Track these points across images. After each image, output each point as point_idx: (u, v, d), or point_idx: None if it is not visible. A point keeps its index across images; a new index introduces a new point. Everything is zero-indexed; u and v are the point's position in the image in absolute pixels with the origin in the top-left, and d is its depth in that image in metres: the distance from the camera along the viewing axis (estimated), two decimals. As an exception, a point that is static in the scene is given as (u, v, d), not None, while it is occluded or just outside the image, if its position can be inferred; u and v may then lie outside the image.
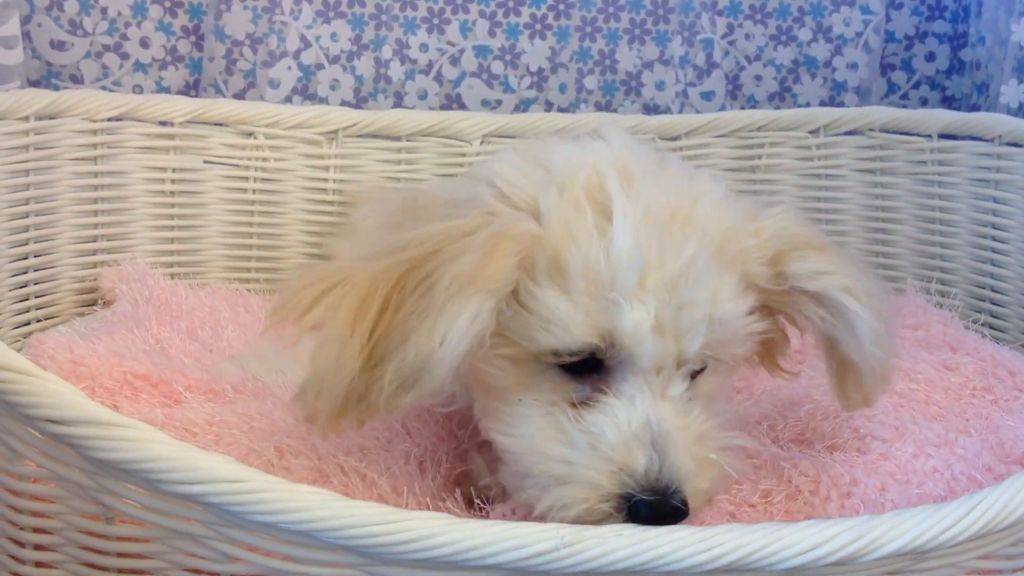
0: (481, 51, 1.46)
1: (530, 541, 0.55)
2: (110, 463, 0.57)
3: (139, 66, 1.41)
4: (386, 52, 1.44)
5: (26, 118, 1.10)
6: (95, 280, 1.16)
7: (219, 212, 1.25)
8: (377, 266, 0.64)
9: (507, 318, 0.63)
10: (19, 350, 0.90)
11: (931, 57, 1.55)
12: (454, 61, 1.46)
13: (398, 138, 1.28)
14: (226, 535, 0.59)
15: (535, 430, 0.64)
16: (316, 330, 0.63)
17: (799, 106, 1.50)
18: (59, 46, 1.37)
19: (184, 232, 1.23)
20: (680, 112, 1.47)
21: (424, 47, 1.45)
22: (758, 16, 1.50)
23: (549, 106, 1.48)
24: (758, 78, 1.52)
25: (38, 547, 0.65)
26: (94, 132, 1.16)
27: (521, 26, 1.46)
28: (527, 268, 0.63)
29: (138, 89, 1.41)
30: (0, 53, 1.22)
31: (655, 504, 0.60)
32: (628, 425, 0.62)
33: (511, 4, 1.45)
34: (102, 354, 0.81)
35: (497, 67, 1.46)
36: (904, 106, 1.54)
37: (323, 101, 1.41)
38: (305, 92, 1.41)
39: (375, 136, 1.28)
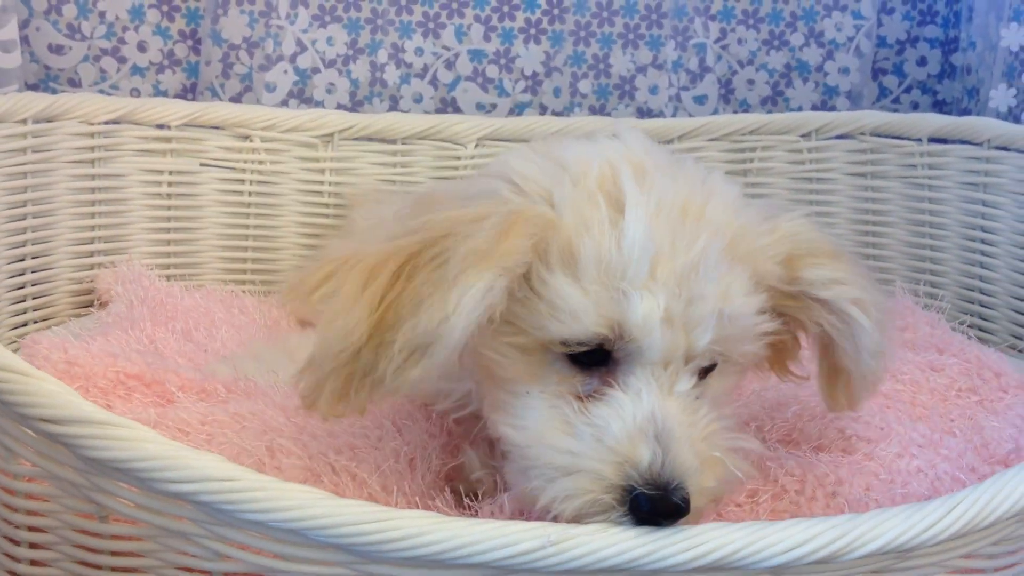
0: (476, 55, 1.47)
1: (517, 540, 0.56)
2: (103, 462, 0.58)
3: (136, 70, 1.42)
4: (382, 56, 1.45)
5: (24, 121, 1.11)
6: (92, 281, 1.17)
7: (215, 214, 1.25)
8: (390, 245, 0.64)
9: (518, 305, 0.64)
10: (15, 351, 0.91)
11: (922, 62, 1.57)
12: (449, 65, 1.47)
13: (393, 141, 1.29)
14: (217, 533, 0.60)
15: (541, 421, 0.64)
16: (326, 302, 0.63)
17: (791, 110, 1.51)
18: (57, 50, 1.38)
19: (180, 234, 1.24)
20: (673, 116, 1.49)
21: (419, 51, 1.46)
22: (751, 21, 1.52)
23: (543, 110, 1.49)
24: (750, 82, 1.53)
25: (33, 545, 0.66)
26: (91, 135, 1.17)
27: (516, 30, 1.47)
28: (540, 253, 0.64)
29: (135, 92, 1.42)
30: (-2, 57, 1.23)
31: (656, 499, 0.59)
32: (633, 418, 0.62)
33: (506, 9, 1.46)
34: (96, 354, 0.82)
35: (492, 71, 1.47)
36: (896, 110, 1.55)
37: (319, 105, 1.42)
38: (301, 96, 1.42)
39: (370, 139, 1.29)
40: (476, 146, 1.30)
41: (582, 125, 1.28)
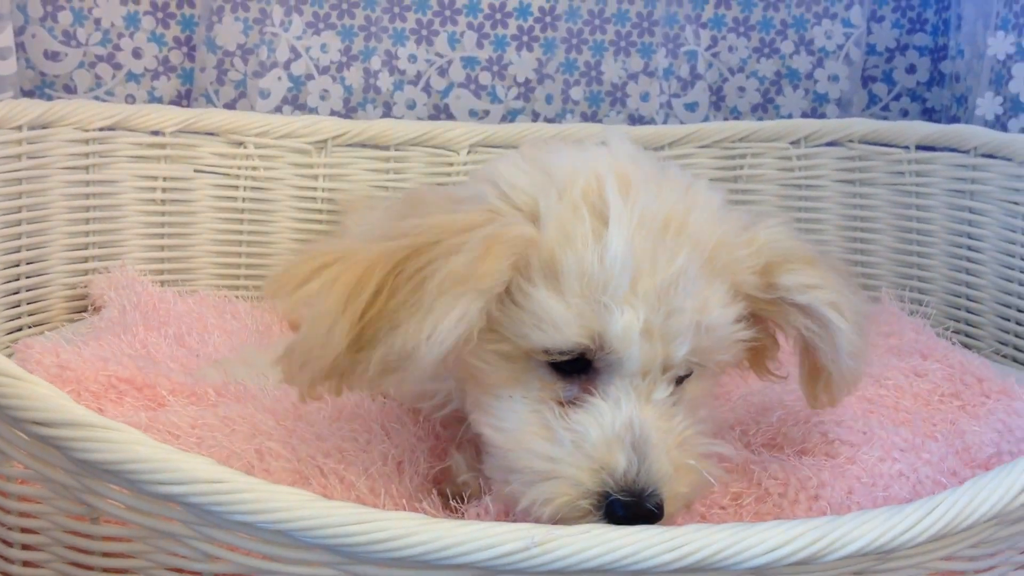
0: (469, 62, 1.48)
1: (502, 540, 0.57)
2: (94, 464, 0.59)
3: (132, 76, 1.43)
4: (375, 63, 1.46)
5: (19, 127, 1.12)
6: (86, 287, 1.17)
7: (209, 220, 1.26)
8: (376, 248, 0.65)
9: (501, 315, 0.65)
10: (9, 355, 0.92)
11: (912, 69, 1.58)
12: (442, 72, 1.48)
13: (386, 147, 1.30)
14: (206, 535, 0.60)
15: (522, 426, 0.65)
16: (309, 302, 0.65)
17: (782, 117, 1.52)
18: (53, 56, 1.39)
19: (174, 240, 1.25)
20: (664, 123, 1.50)
21: (413, 58, 1.47)
22: (741, 29, 1.53)
23: (536, 116, 1.50)
24: (741, 90, 1.54)
25: (26, 547, 0.67)
26: (86, 141, 1.18)
27: (508, 38, 1.48)
28: (521, 268, 0.65)
29: (131, 99, 1.43)
30: (-6, 64, 1.24)
31: (630, 505, 0.62)
32: (611, 426, 0.64)
33: (499, 16, 1.48)
34: (88, 358, 0.83)
35: (485, 78, 1.49)
36: (885, 117, 1.56)
37: (313, 111, 1.43)
38: (295, 102, 1.43)
39: (364, 145, 1.30)
40: (469, 152, 1.31)
41: (574, 132, 1.29)
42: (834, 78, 1.53)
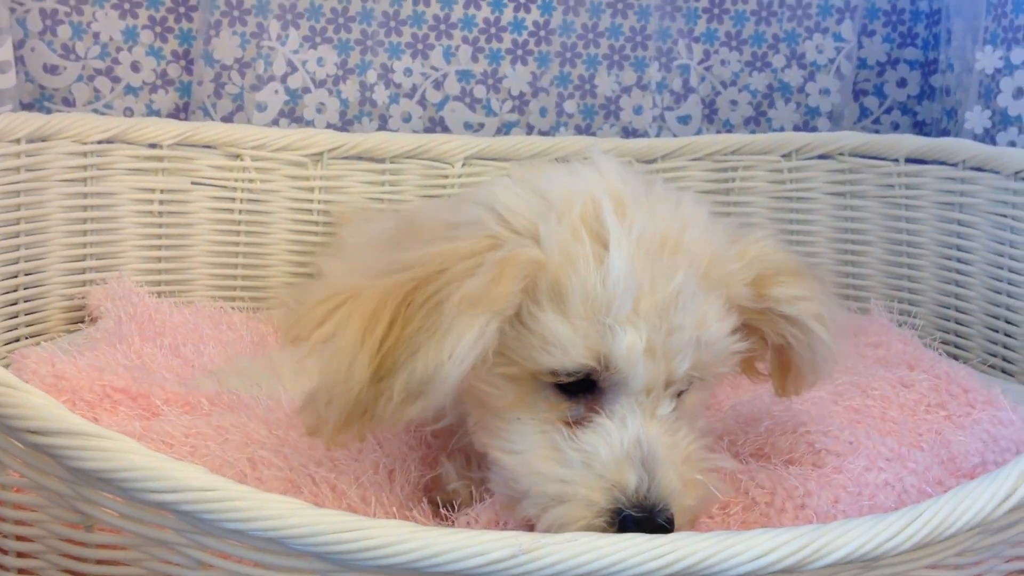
0: (464, 76, 1.50)
1: (489, 548, 0.58)
2: (88, 472, 0.60)
3: (130, 89, 1.44)
4: (371, 76, 1.47)
5: (17, 140, 1.13)
6: (83, 298, 1.18)
7: (206, 232, 1.27)
8: (386, 282, 0.67)
9: (509, 338, 0.67)
10: (5, 365, 0.93)
11: (902, 83, 1.59)
12: (437, 85, 1.49)
13: (382, 160, 1.31)
14: (199, 542, 0.61)
15: (531, 448, 0.67)
16: (327, 343, 0.66)
17: (774, 130, 1.53)
18: (52, 70, 1.41)
19: (171, 251, 1.26)
20: (657, 135, 1.51)
21: (408, 71, 1.48)
22: (733, 43, 1.54)
23: (530, 129, 1.51)
24: (733, 103, 1.55)
25: (21, 554, 0.68)
26: (84, 154, 1.19)
27: (503, 51, 1.50)
28: (529, 292, 0.67)
29: (129, 112, 1.44)
30: (-7, 77, 1.26)
31: (642, 521, 0.63)
32: (620, 444, 0.65)
33: (493, 30, 1.49)
34: (83, 368, 0.84)
35: (479, 91, 1.50)
36: (876, 130, 1.58)
37: (309, 124, 1.45)
38: (292, 115, 1.45)
39: (359, 158, 1.31)
40: (464, 165, 1.32)
41: (568, 145, 1.31)
42: (825, 91, 1.54)
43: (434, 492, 0.75)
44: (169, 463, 0.59)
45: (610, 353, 0.65)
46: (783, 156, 1.33)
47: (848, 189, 1.32)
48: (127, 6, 1.42)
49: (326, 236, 1.30)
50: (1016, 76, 1.30)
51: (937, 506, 0.62)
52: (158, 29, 1.44)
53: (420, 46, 1.48)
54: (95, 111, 1.42)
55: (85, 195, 1.20)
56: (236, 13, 1.41)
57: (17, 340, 1.14)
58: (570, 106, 1.52)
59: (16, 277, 1.14)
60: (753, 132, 1.52)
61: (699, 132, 1.53)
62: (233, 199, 1.28)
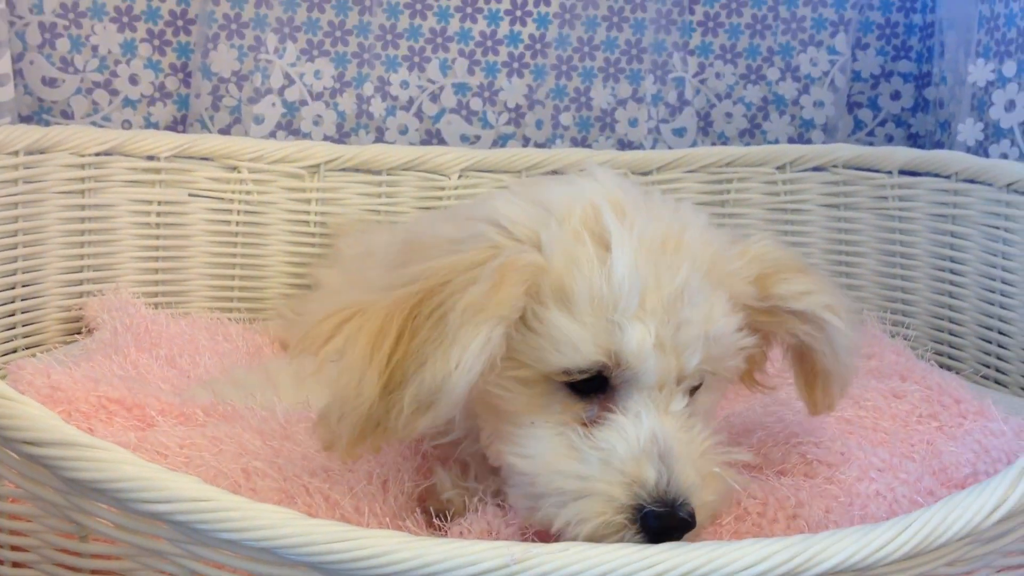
0: (460, 88, 1.51)
1: (481, 558, 0.58)
2: (83, 483, 0.60)
3: (128, 102, 1.45)
4: (368, 89, 1.48)
5: (16, 152, 1.13)
6: (80, 309, 1.19)
7: (203, 244, 1.28)
8: (391, 297, 0.67)
9: (518, 342, 0.67)
10: (1, 377, 0.93)
11: (896, 96, 1.60)
12: (434, 98, 1.50)
13: (379, 172, 1.32)
14: (193, 552, 0.62)
15: (548, 449, 0.67)
16: (335, 359, 0.67)
17: (768, 143, 1.54)
18: (51, 83, 1.42)
19: (169, 263, 1.27)
20: (652, 148, 1.52)
21: (405, 84, 1.49)
22: (728, 56, 1.55)
23: (526, 141, 1.52)
24: (728, 115, 1.56)
25: (16, 564, 0.68)
26: (82, 166, 1.19)
27: (499, 64, 1.51)
28: (533, 295, 0.67)
29: (127, 124, 1.45)
30: (-8, 90, 1.27)
31: (664, 515, 0.63)
32: (637, 440, 0.65)
33: (489, 43, 1.50)
34: (79, 379, 0.84)
35: (476, 104, 1.51)
36: (870, 143, 1.58)
37: (306, 136, 1.45)
38: (289, 127, 1.45)
39: (356, 170, 1.31)
40: (460, 177, 1.32)
41: (564, 157, 1.31)
42: (820, 104, 1.55)
43: (428, 502, 0.76)
44: (163, 473, 0.59)
45: (620, 349, 0.66)
46: (777, 168, 1.34)
47: (842, 201, 1.33)
48: (125, 19, 1.43)
49: (323, 248, 1.30)
50: (1008, 89, 1.31)
51: (927, 516, 0.62)
52: (156, 42, 1.45)
53: (417, 59, 1.49)
54: (93, 124, 1.43)
55: (83, 207, 1.20)
56: (234, 26, 1.42)
57: (14, 351, 1.15)
58: (566, 118, 1.52)
59: (13, 288, 1.15)
60: (748, 144, 1.52)
61: (694, 144, 1.53)
62: (230, 211, 1.28)
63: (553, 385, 0.68)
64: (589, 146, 1.52)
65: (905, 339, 1.13)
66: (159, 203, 1.25)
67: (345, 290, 1.12)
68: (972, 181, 1.22)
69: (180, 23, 1.45)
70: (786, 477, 0.80)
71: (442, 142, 1.50)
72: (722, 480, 0.68)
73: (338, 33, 1.46)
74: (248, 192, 1.28)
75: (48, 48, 1.41)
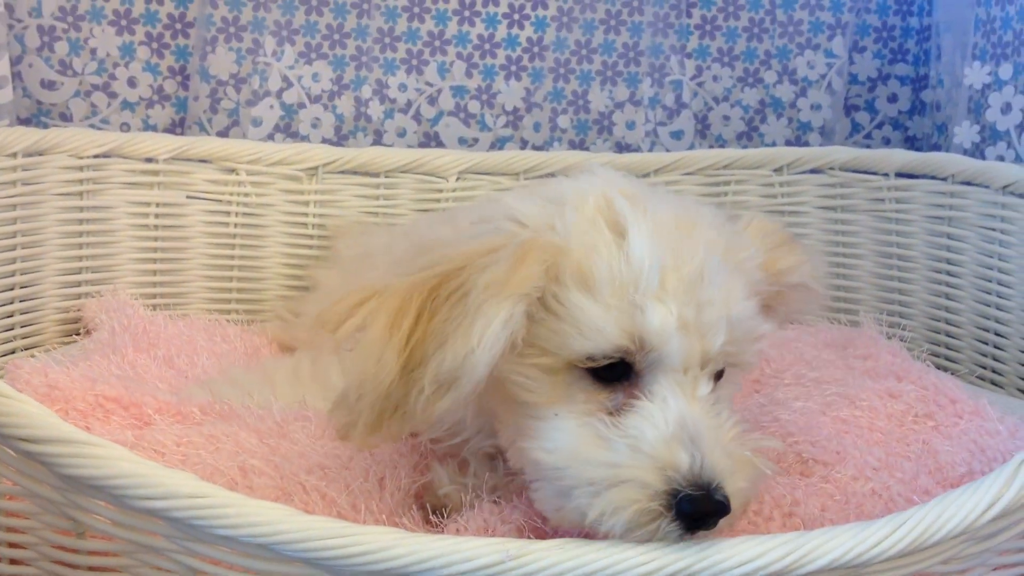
0: (458, 91, 1.51)
1: (477, 554, 0.58)
2: (80, 479, 0.60)
3: (126, 105, 1.45)
4: (366, 92, 1.48)
5: (14, 155, 1.14)
6: (79, 311, 1.19)
7: (201, 246, 1.28)
8: (409, 279, 0.67)
9: (539, 328, 0.67)
10: (1, 377, 0.93)
11: (893, 98, 1.61)
12: (432, 101, 1.51)
13: (376, 174, 1.32)
14: (190, 549, 0.62)
15: (574, 440, 0.65)
16: (355, 337, 0.66)
17: (765, 145, 1.55)
18: (49, 85, 1.42)
19: (167, 265, 1.27)
20: (650, 150, 1.52)
21: (403, 87, 1.50)
22: (725, 59, 1.56)
23: (524, 144, 1.52)
24: (726, 118, 1.57)
25: (13, 561, 0.68)
26: (80, 168, 1.20)
27: (497, 67, 1.51)
28: (552, 276, 0.67)
29: (125, 127, 1.45)
30: (-9, 92, 1.27)
31: (699, 499, 0.61)
32: (666, 424, 0.64)
33: (487, 46, 1.51)
34: (76, 378, 0.84)
35: (474, 106, 1.51)
36: (868, 146, 1.59)
37: (304, 139, 1.46)
38: (287, 130, 1.46)
39: (354, 172, 1.32)
40: (457, 179, 1.32)
41: (561, 159, 1.32)
42: (817, 107, 1.56)
43: (425, 498, 0.76)
44: (160, 470, 0.59)
45: (643, 331, 0.65)
46: (775, 171, 1.34)
47: (839, 203, 1.33)
48: (124, 23, 1.44)
49: (321, 250, 1.31)
50: (1004, 91, 1.31)
51: (922, 513, 0.63)
52: (155, 45, 1.45)
53: (415, 62, 1.49)
54: (92, 126, 1.43)
55: (81, 208, 1.20)
56: (232, 29, 1.42)
57: (12, 352, 1.15)
58: (564, 121, 1.53)
59: (12, 290, 1.15)
60: (745, 147, 1.53)
61: (692, 147, 1.54)
62: (228, 213, 1.29)
63: (576, 374, 0.67)
64: (587, 149, 1.52)
65: (902, 340, 1.13)
66: (157, 205, 1.25)
67: (343, 291, 1.13)
68: (968, 183, 1.23)
69: (178, 26, 1.46)
70: (781, 476, 0.80)
71: (440, 145, 1.51)
72: (754, 466, 0.66)
73: (336, 36, 1.47)
74: (246, 194, 1.29)
75: (47, 51, 1.41)
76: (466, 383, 0.63)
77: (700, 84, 1.56)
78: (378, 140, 1.49)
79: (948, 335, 1.26)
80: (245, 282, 1.30)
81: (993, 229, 1.20)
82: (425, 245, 0.74)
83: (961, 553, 0.67)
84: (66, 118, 1.43)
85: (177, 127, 1.47)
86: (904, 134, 1.61)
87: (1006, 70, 1.31)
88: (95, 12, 1.42)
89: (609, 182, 0.73)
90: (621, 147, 1.53)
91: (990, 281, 1.20)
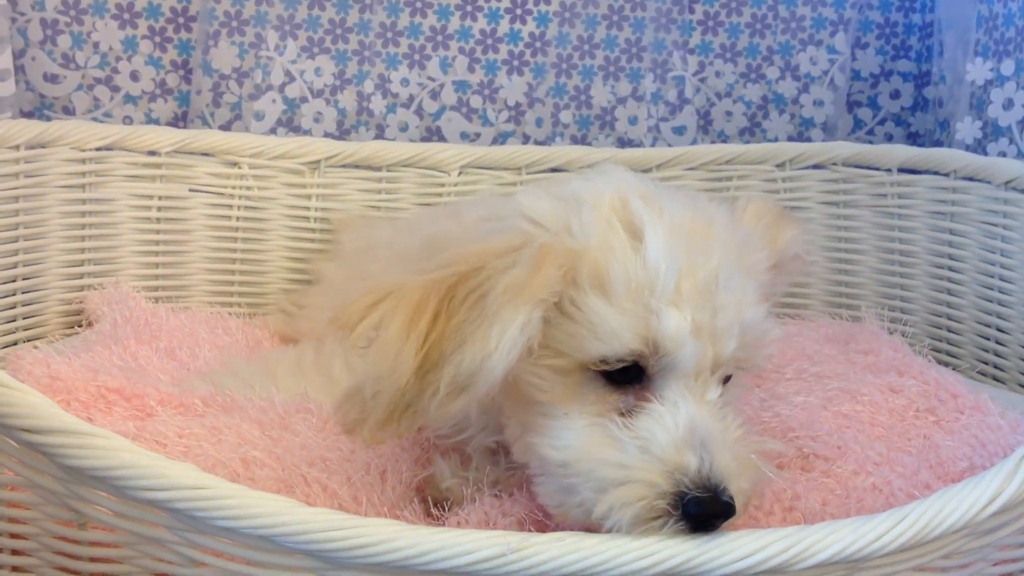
0: (460, 86, 1.51)
1: (478, 547, 0.58)
2: (81, 470, 0.60)
3: (129, 98, 1.45)
4: (368, 86, 1.48)
5: (17, 147, 1.14)
6: (81, 303, 1.19)
7: (204, 239, 1.28)
8: (425, 278, 0.67)
9: (556, 330, 0.67)
10: (1, 367, 0.93)
11: (896, 95, 1.60)
12: (434, 95, 1.51)
13: (379, 168, 1.32)
14: (191, 540, 0.62)
15: (584, 439, 0.66)
16: (371, 336, 0.67)
17: (768, 141, 1.54)
18: (52, 79, 1.42)
19: (169, 257, 1.27)
20: (652, 146, 1.52)
21: (405, 82, 1.50)
22: (728, 55, 1.56)
23: (526, 139, 1.52)
24: (728, 114, 1.57)
25: (15, 552, 0.68)
26: (83, 161, 1.20)
27: (499, 62, 1.51)
28: (569, 280, 0.67)
29: (128, 120, 1.45)
30: (-6, 85, 1.27)
31: (706, 501, 0.62)
32: (676, 428, 0.65)
33: (490, 41, 1.50)
34: (78, 369, 0.84)
35: (476, 101, 1.51)
36: (870, 141, 1.59)
37: (307, 133, 1.46)
38: (290, 124, 1.46)
39: (356, 166, 1.32)
40: (460, 173, 1.33)
41: (563, 154, 1.32)
42: (819, 103, 1.56)
43: (427, 491, 0.76)
44: (162, 461, 0.59)
45: (657, 336, 0.66)
46: (777, 166, 1.34)
47: (841, 199, 1.33)
48: (127, 16, 1.44)
49: (323, 243, 1.31)
50: (1006, 87, 1.31)
51: (923, 508, 0.63)
52: (157, 39, 1.45)
53: (417, 57, 1.49)
54: (94, 120, 1.43)
55: (83, 201, 1.21)
56: (234, 24, 1.42)
57: (15, 343, 1.15)
58: (566, 116, 1.53)
59: (15, 281, 1.15)
60: (747, 143, 1.53)
61: (694, 143, 1.54)
62: (231, 206, 1.29)
63: (588, 375, 0.67)
64: (589, 144, 1.52)
65: (903, 336, 1.13)
66: (160, 198, 1.25)
67: (347, 284, 1.13)
68: (970, 179, 1.23)
69: (181, 20, 1.46)
70: (782, 471, 0.80)
71: (442, 139, 1.51)
72: (756, 468, 0.68)
73: (339, 31, 1.47)
74: (248, 188, 1.29)
75: (50, 44, 1.41)
76: (481, 386, 0.64)
77: (703, 80, 1.56)
78: (380, 134, 1.49)
79: (950, 330, 1.26)
80: (247, 275, 1.30)
81: (995, 225, 1.20)
82: (435, 241, 0.74)
83: (962, 548, 0.67)
84: (69, 111, 1.43)
85: (179, 121, 1.47)
86: (906, 130, 1.61)
87: (1008, 66, 1.31)
88: (98, 6, 1.42)
89: (622, 181, 0.73)
90: (623, 143, 1.53)
91: (992, 277, 1.20)
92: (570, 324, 0.67)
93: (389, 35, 1.48)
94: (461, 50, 1.50)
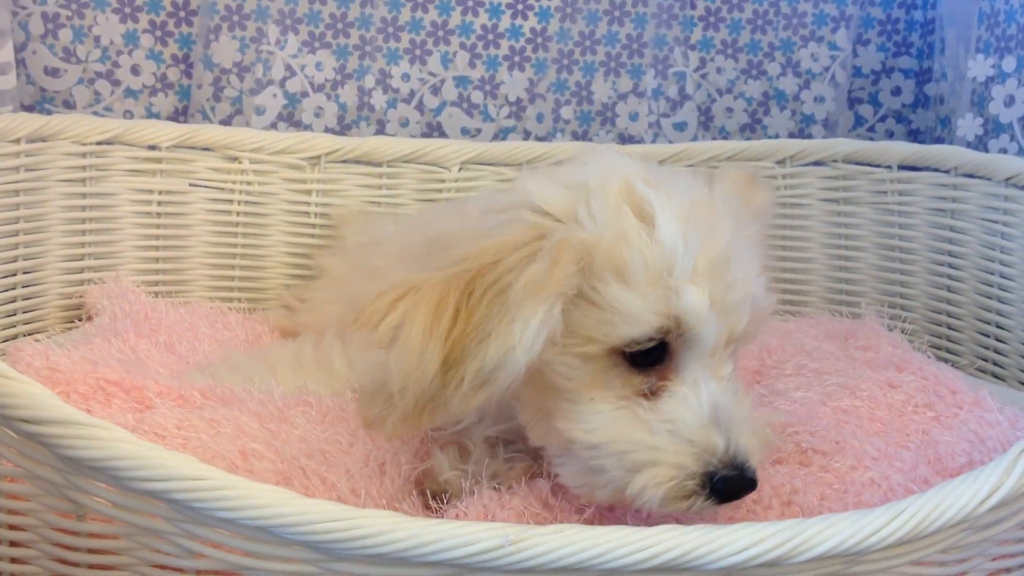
0: (461, 81, 1.51)
1: (476, 539, 0.58)
2: (80, 461, 0.60)
3: (130, 92, 1.45)
4: (369, 81, 1.48)
5: (17, 140, 1.14)
6: (81, 297, 1.19)
7: (204, 233, 1.28)
8: (442, 275, 0.68)
9: (581, 318, 0.68)
10: (3, 360, 0.93)
11: (897, 91, 1.60)
12: (435, 91, 1.51)
13: (379, 164, 1.32)
14: (189, 531, 0.62)
15: (613, 422, 0.68)
16: (394, 334, 0.67)
17: (769, 137, 1.54)
18: (53, 72, 1.42)
19: (169, 252, 1.27)
20: (653, 142, 1.52)
21: (406, 77, 1.50)
22: (729, 51, 1.56)
23: (527, 135, 1.52)
24: (729, 110, 1.57)
25: (13, 543, 0.68)
26: (83, 155, 1.20)
27: (500, 58, 1.51)
28: (586, 271, 0.68)
29: (129, 114, 1.45)
30: (-5, 78, 1.27)
31: (734, 478, 0.66)
32: (700, 409, 0.68)
33: (491, 37, 1.50)
34: (77, 361, 0.84)
35: (477, 97, 1.51)
36: (871, 138, 1.59)
37: (307, 128, 1.46)
38: (290, 119, 1.46)
39: (357, 162, 1.32)
40: (460, 169, 1.33)
41: (564, 150, 1.32)
42: (820, 99, 1.56)
43: (425, 484, 0.76)
44: (160, 452, 0.59)
45: (680, 312, 0.67)
46: (777, 162, 1.34)
47: (841, 195, 1.33)
48: (128, 10, 1.44)
49: (323, 239, 1.31)
50: (1008, 84, 1.31)
51: (921, 502, 0.63)
52: (158, 33, 1.45)
53: (418, 52, 1.49)
54: (95, 114, 1.43)
55: (84, 195, 1.21)
56: (235, 18, 1.42)
57: (15, 337, 1.15)
58: (567, 112, 1.53)
59: (15, 275, 1.15)
60: (748, 139, 1.53)
61: (695, 139, 1.54)
62: (231, 201, 1.29)
63: (613, 359, 0.69)
64: (590, 140, 1.52)
65: (903, 332, 1.13)
66: (160, 192, 1.25)
67: (349, 278, 1.13)
68: (971, 176, 1.22)
69: (182, 14, 1.46)
70: (781, 465, 0.80)
71: (443, 135, 1.51)
72: (768, 440, 0.71)
73: (340, 25, 1.47)
74: (249, 183, 1.29)
75: (51, 38, 1.41)
76: (505, 379, 0.66)
77: (704, 76, 1.56)
78: (381, 130, 1.49)
79: (949, 327, 1.26)
80: (247, 270, 1.30)
81: (995, 221, 1.20)
82: (443, 237, 0.74)
83: (960, 542, 0.67)
84: (69, 105, 1.43)
85: (180, 115, 1.47)
86: (907, 127, 1.61)
87: (1009, 63, 1.31)
88: (99, 0, 1.42)
89: (624, 166, 0.74)
90: (624, 138, 1.53)
91: (992, 273, 1.20)
92: (596, 311, 0.68)
93: (390, 30, 1.48)
94: (462, 45, 1.50)
